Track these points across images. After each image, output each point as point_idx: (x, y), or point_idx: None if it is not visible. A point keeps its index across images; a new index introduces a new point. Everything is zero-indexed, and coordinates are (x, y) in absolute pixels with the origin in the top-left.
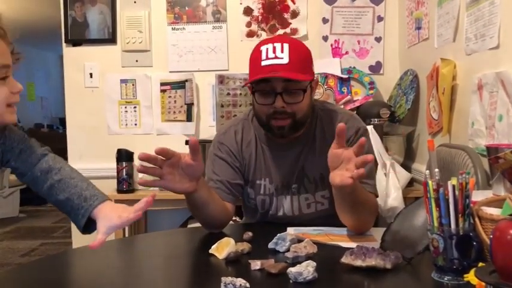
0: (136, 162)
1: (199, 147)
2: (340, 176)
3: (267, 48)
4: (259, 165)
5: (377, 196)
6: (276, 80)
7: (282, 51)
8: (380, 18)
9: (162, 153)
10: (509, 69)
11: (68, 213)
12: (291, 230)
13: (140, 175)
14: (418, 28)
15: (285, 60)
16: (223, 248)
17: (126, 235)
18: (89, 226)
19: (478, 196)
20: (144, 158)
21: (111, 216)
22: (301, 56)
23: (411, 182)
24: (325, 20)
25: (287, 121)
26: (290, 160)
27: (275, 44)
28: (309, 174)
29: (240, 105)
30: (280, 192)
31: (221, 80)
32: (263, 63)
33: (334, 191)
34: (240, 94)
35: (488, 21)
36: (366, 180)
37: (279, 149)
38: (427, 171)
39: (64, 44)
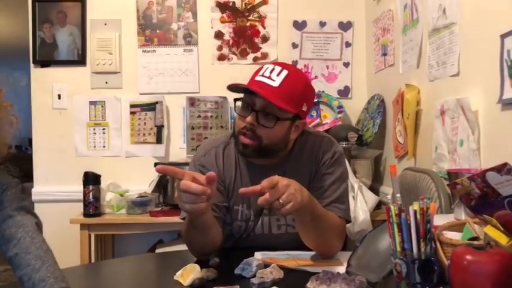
0: (104, 185)
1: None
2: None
3: (268, 68)
4: (237, 190)
5: (349, 221)
6: (258, 97)
7: (278, 75)
8: (348, 44)
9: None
10: (469, 96)
11: None
12: (258, 255)
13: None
14: (384, 54)
15: (276, 83)
16: (188, 275)
17: (92, 260)
18: None
19: (440, 220)
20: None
21: None
22: (294, 87)
23: (379, 205)
24: (294, 45)
25: (253, 142)
26: None
27: (276, 67)
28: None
29: (211, 128)
30: (257, 216)
31: (192, 102)
32: (257, 77)
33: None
34: (211, 116)
35: (449, 49)
36: (336, 204)
37: (258, 173)
38: (389, 195)
39: (32, 65)
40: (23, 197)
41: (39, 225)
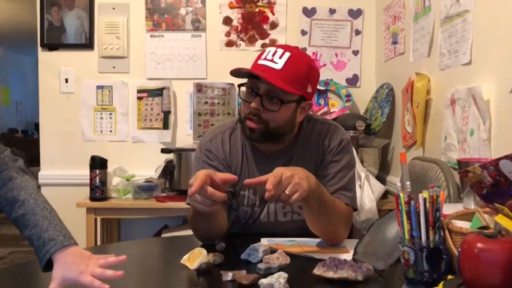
0: (110, 169)
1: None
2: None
3: (270, 50)
4: (243, 175)
5: (355, 209)
6: (261, 81)
7: (281, 58)
8: (358, 32)
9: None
10: (481, 85)
11: None
12: (264, 241)
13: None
14: (395, 42)
15: (279, 66)
16: (195, 259)
17: (98, 243)
18: (50, 266)
19: (449, 209)
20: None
21: (71, 267)
22: (297, 69)
23: (385, 194)
24: (303, 32)
25: (259, 126)
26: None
27: (278, 49)
28: None
29: (218, 114)
30: (262, 201)
31: (199, 88)
32: (259, 61)
33: None
34: (218, 103)
35: (461, 37)
36: (343, 192)
37: (265, 159)
38: (399, 183)
39: (40, 48)
40: (16, 158)
41: (37, 186)
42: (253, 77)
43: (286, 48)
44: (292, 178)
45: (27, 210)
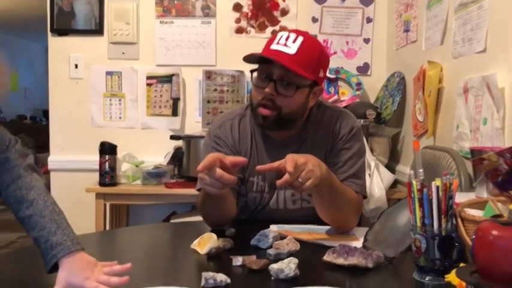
0: (120, 156)
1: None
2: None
3: (282, 35)
4: (253, 162)
5: (365, 197)
6: (275, 66)
7: (294, 42)
8: (369, 20)
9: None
10: (496, 72)
11: None
12: (274, 227)
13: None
14: (407, 30)
15: (293, 50)
16: (205, 244)
17: (107, 228)
18: (55, 268)
19: (461, 198)
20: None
21: (77, 273)
22: (311, 53)
23: (395, 183)
24: (314, 19)
25: (273, 112)
26: (284, 157)
27: (291, 34)
28: None
29: (227, 102)
30: (271, 188)
31: (208, 75)
32: (272, 46)
33: None
34: (227, 90)
35: (476, 25)
36: (353, 180)
37: (274, 146)
38: (412, 171)
39: (49, 34)
40: (26, 154)
41: (45, 185)
42: (265, 62)
43: (298, 32)
44: (306, 165)
45: (35, 211)
